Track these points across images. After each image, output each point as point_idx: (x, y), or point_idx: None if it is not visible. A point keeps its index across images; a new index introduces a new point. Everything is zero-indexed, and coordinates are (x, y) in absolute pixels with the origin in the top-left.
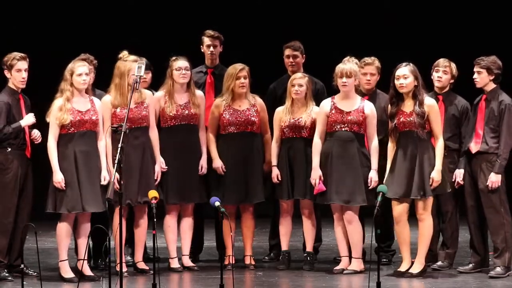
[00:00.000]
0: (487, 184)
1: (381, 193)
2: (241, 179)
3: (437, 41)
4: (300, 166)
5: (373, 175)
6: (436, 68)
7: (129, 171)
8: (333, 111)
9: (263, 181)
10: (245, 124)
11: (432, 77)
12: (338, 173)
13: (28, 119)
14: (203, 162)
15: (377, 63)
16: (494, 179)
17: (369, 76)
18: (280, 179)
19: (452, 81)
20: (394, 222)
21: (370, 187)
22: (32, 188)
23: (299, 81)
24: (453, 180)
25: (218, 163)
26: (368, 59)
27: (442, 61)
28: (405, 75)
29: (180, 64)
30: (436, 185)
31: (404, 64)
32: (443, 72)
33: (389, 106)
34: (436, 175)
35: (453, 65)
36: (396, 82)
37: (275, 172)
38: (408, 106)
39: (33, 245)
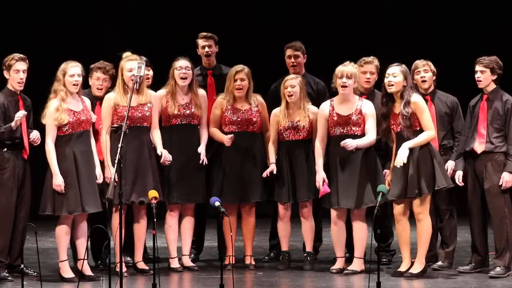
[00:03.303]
0: (500, 183)
1: (381, 193)
2: (242, 178)
3: (435, 42)
4: (301, 168)
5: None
6: (416, 70)
7: (125, 170)
8: (333, 115)
9: (263, 181)
10: (246, 124)
11: (415, 81)
12: (342, 177)
13: (16, 118)
14: (202, 150)
15: (376, 62)
16: (508, 178)
17: (369, 75)
18: (274, 173)
19: (434, 78)
20: (394, 221)
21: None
22: (30, 189)
23: (291, 82)
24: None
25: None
26: (367, 58)
27: (419, 62)
28: (394, 73)
29: (181, 63)
30: (396, 160)
31: (395, 64)
32: (424, 71)
33: (381, 106)
34: (401, 148)
35: (430, 63)
36: (385, 79)
37: (272, 167)
38: (397, 107)
39: (33, 245)
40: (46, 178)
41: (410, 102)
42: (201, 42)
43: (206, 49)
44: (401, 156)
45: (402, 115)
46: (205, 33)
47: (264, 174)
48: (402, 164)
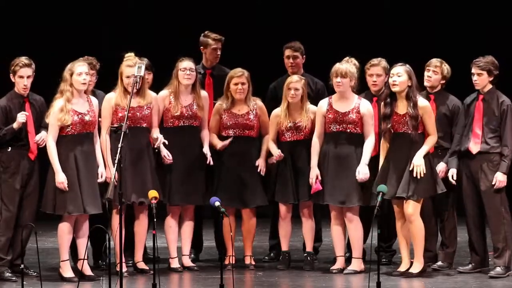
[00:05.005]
0: (493, 183)
1: (381, 193)
2: (238, 183)
3: (435, 41)
4: (303, 168)
5: (360, 168)
6: (427, 67)
7: (125, 170)
8: (330, 112)
9: (263, 184)
10: (242, 128)
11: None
12: (334, 173)
13: (18, 119)
14: (207, 151)
15: (383, 63)
16: (502, 179)
17: (375, 77)
18: (283, 156)
19: (443, 81)
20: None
21: (358, 180)
22: (37, 190)
23: (295, 85)
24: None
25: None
26: (374, 60)
27: (434, 61)
28: (399, 73)
29: (185, 65)
30: (416, 170)
31: (399, 63)
32: (433, 72)
33: (383, 106)
34: (415, 159)
35: (445, 66)
36: (390, 79)
37: (278, 153)
38: (401, 107)
39: (33, 245)
40: (48, 176)
41: (417, 103)
42: (212, 43)
43: (218, 52)
44: (421, 167)
45: (410, 116)
46: (215, 35)
47: (271, 161)
48: (423, 174)
